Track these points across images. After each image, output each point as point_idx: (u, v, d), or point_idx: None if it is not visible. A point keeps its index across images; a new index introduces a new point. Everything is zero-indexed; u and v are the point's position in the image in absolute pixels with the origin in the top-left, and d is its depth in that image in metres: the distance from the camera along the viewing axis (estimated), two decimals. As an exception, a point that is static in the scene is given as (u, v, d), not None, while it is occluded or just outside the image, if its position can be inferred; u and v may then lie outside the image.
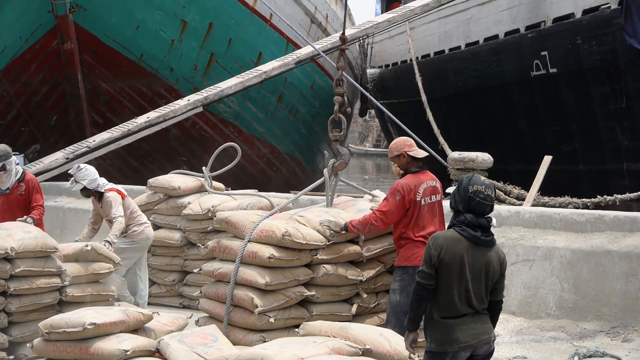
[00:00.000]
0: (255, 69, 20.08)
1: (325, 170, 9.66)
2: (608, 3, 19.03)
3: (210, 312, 8.99)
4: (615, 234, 10.46)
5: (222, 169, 12.84)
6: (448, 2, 21.68)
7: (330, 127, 9.68)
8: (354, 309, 8.98)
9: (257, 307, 8.31)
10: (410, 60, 25.48)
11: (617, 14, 18.40)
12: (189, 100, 19.00)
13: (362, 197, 10.38)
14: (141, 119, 18.63)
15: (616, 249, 10.01)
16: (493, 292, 6.51)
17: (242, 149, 13.01)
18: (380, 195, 10.41)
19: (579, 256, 10.58)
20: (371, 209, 9.02)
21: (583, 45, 19.62)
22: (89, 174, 10.78)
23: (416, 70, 23.70)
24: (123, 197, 10.92)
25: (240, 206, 11.44)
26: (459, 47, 25.37)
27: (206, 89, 19.63)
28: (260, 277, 8.43)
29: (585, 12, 19.78)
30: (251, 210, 9.60)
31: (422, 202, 8.75)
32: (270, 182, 24.84)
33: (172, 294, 12.34)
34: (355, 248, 9.00)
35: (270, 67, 19.47)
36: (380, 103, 23.87)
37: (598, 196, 14.74)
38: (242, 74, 19.87)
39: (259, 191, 12.73)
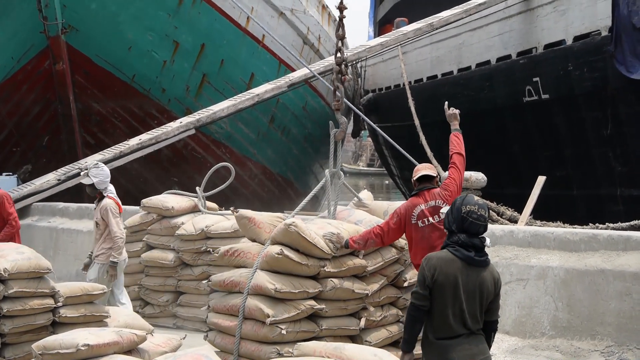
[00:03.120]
0: (248, 92, 20.14)
1: (326, 171, 9.82)
2: (598, 30, 19.09)
3: (219, 325, 8.89)
4: (609, 253, 10.46)
5: (216, 189, 12.82)
6: (440, 27, 21.77)
7: (332, 97, 10.02)
8: (362, 322, 8.96)
9: (269, 317, 8.25)
10: (403, 84, 25.53)
11: (607, 41, 18.46)
12: (181, 122, 19.04)
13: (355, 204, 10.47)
14: (133, 141, 18.64)
15: (610, 268, 9.99)
16: (488, 312, 6.50)
17: (234, 170, 13.00)
18: (367, 196, 10.44)
19: (572, 275, 10.57)
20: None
21: (574, 71, 19.66)
22: (103, 175, 10.92)
23: (409, 95, 23.72)
24: (120, 211, 11.03)
25: (234, 226, 11.44)
26: (452, 72, 25.41)
27: (199, 112, 19.67)
28: (269, 283, 8.39)
29: (575, 38, 19.83)
30: (274, 214, 9.57)
31: (420, 224, 8.65)
32: (262, 203, 24.85)
33: (166, 314, 12.31)
34: (360, 262, 8.99)
35: (263, 90, 19.53)
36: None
37: (590, 224, 14.73)
38: (234, 97, 19.93)
39: (252, 212, 12.71)
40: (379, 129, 20.34)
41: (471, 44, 24.23)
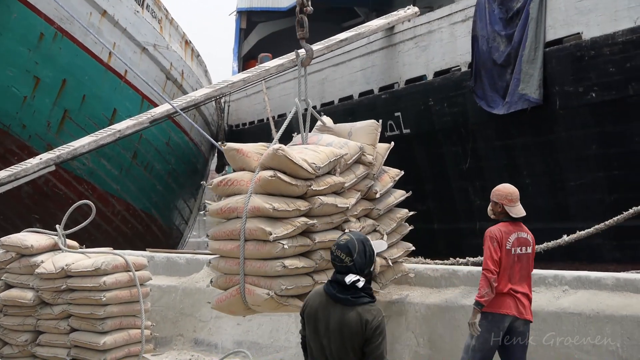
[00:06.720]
0: (109, 127, 19.85)
1: (296, 99, 10.59)
2: (458, 66, 19.47)
3: (222, 250, 9.49)
4: (469, 288, 10.64)
5: (76, 227, 12.62)
6: (303, 63, 21.89)
7: (297, 28, 11.08)
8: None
9: (271, 235, 8.89)
10: (267, 119, 25.60)
11: (467, 77, 18.83)
12: (41, 159, 18.64)
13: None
14: (-9, 178, 18.20)
15: (470, 303, 10.07)
16: (367, 358, 6.35)
17: (97, 206, 12.84)
18: (328, 121, 11.21)
19: (433, 311, 10.70)
20: None
21: (435, 106, 20.00)
22: None
23: (273, 129, 23.82)
24: None
25: (95, 264, 11.31)
26: (315, 107, 25.53)
27: (59, 148, 19.30)
28: (266, 204, 9.04)
29: (436, 74, 20.17)
30: (259, 144, 10.10)
31: (512, 252, 9.00)
32: (125, 239, 24.54)
33: (25, 354, 12.02)
34: (338, 179, 9.70)
35: (124, 125, 19.28)
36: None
37: (451, 258, 14.96)
38: (95, 133, 19.62)
39: (114, 249, 12.58)
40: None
41: (334, 79, 24.44)
